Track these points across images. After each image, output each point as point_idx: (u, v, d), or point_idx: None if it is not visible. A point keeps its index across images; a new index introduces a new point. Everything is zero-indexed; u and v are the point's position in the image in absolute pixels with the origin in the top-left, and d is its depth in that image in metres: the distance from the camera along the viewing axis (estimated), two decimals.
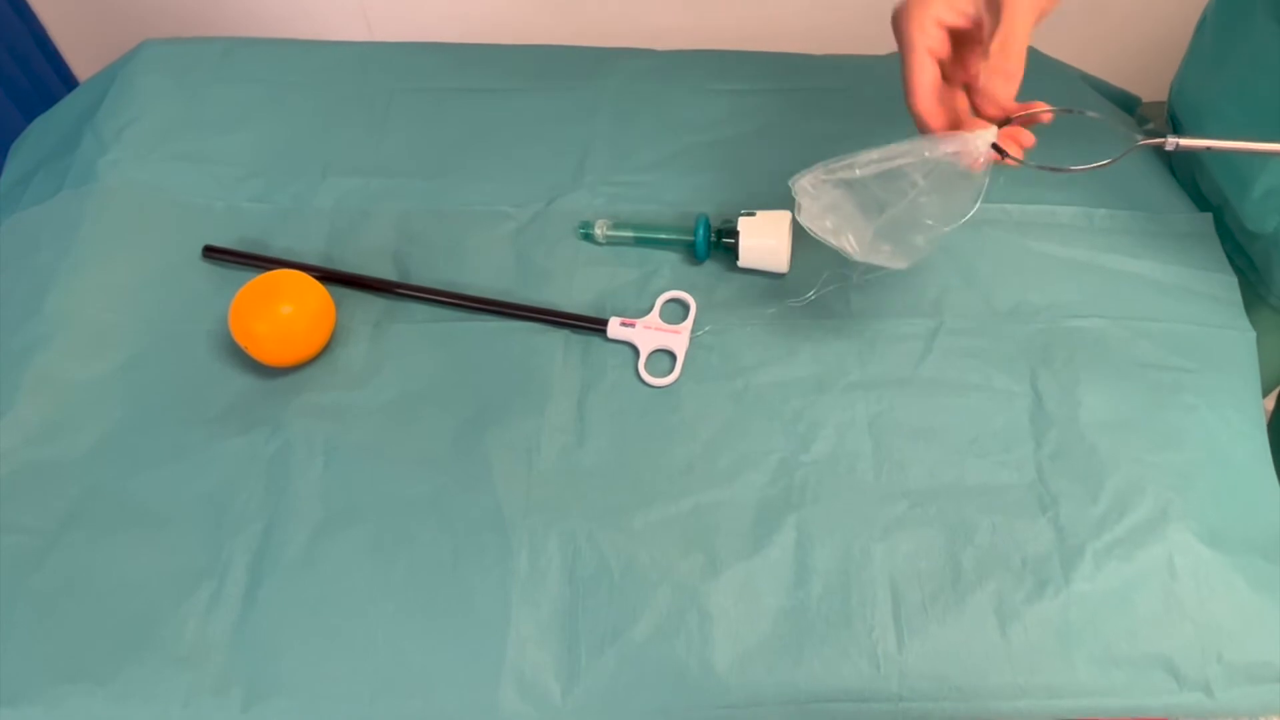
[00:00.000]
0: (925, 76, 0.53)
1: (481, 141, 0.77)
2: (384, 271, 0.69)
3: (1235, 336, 0.67)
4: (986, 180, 0.53)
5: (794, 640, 0.55)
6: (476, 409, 0.63)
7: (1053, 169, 0.53)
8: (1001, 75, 0.51)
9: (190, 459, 0.61)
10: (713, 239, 0.69)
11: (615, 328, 0.66)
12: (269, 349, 0.63)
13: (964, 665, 0.55)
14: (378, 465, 0.61)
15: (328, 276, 0.67)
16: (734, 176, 0.75)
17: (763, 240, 0.67)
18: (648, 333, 0.66)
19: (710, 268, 0.70)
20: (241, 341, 0.63)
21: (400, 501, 0.60)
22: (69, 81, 1.32)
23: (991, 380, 0.65)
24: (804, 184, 0.57)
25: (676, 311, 0.68)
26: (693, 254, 0.70)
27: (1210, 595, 0.57)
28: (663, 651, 0.55)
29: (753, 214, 0.68)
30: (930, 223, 0.55)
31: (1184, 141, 0.51)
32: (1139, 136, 0.53)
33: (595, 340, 0.66)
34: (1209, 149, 0.52)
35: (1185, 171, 0.76)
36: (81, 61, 1.35)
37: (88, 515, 0.59)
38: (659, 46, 0.86)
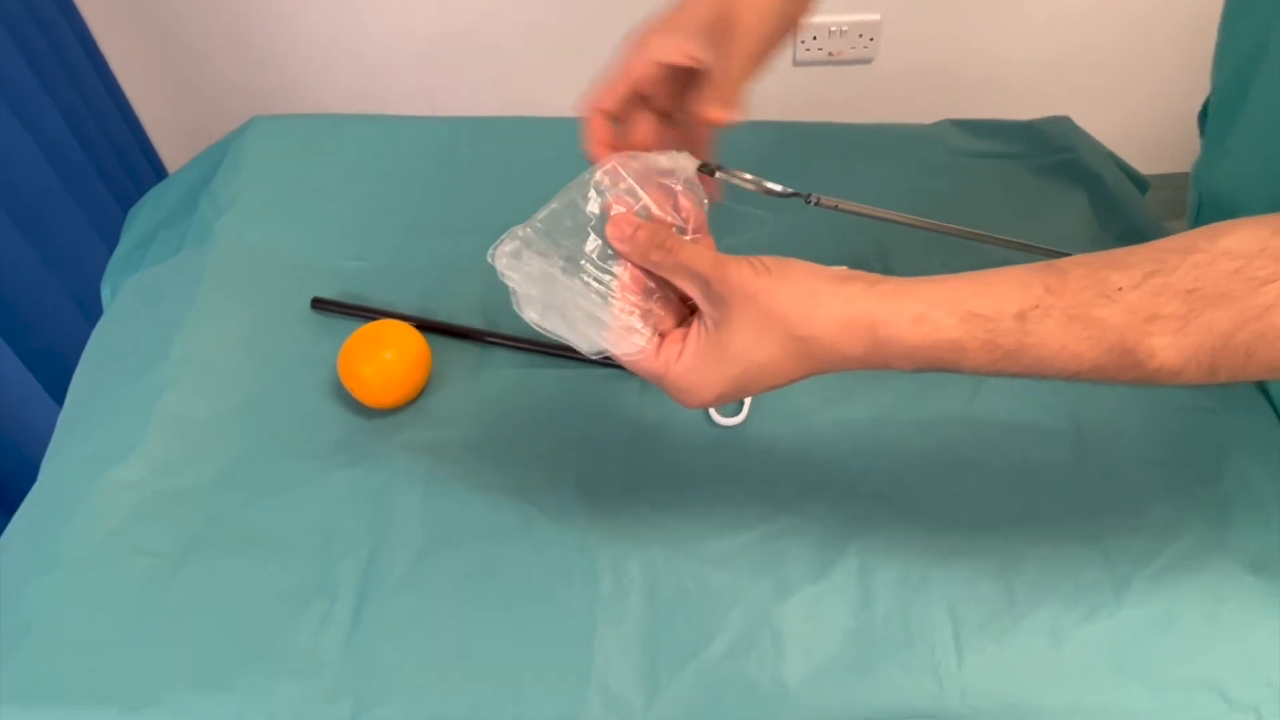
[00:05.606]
0: (620, 88, 0.56)
1: None
2: (474, 321, 0.76)
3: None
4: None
5: (861, 659, 0.59)
6: (560, 445, 0.69)
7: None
8: (715, 102, 0.54)
9: (302, 490, 0.67)
10: None
11: None
12: (373, 391, 0.69)
13: (1021, 684, 0.58)
14: (472, 496, 0.66)
15: (424, 326, 0.74)
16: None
17: None
18: None
19: None
20: (349, 384, 0.69)
21: (493, 529, 0.65)
22: (158, 168, 1.45)
23: (1038, 419, 0.69)
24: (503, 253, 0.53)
25: None
26: None
27: (1256, 621, 0.61)
28: (738, 669, 0.59)
29: None
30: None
31: (825, 200, 0.58)
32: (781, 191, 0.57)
33: None
34: (838, 208, 0.58)
35: None
36: (169, 149, 1.49)
37: (210, 540, 0.65)
38: None
